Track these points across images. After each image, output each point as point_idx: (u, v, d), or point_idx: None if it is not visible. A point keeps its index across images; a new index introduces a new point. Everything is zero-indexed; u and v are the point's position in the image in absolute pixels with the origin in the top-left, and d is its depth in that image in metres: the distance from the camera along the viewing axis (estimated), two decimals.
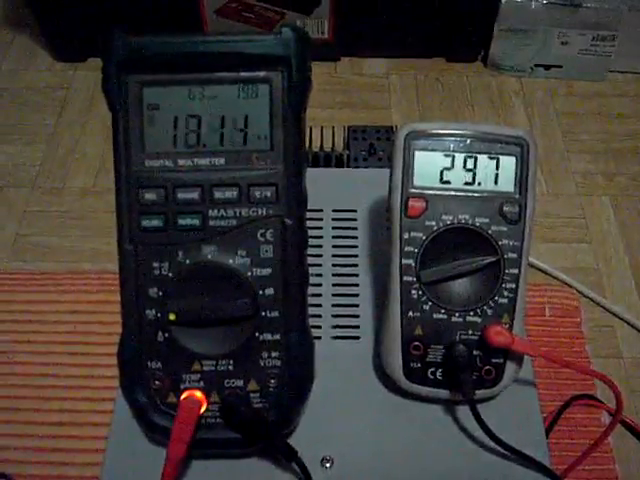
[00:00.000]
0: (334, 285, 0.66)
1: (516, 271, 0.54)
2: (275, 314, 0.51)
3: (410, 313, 0.55)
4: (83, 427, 0.95)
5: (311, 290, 0.53)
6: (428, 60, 1.61)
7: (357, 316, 0.64)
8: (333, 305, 0.65)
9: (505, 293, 0.54)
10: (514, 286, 0.54)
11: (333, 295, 0.65)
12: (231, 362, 0.51)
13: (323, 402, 0.57)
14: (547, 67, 1.55)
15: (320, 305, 0.64)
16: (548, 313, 0.98)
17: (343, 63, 1.60)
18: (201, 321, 0.50)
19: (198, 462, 0.54)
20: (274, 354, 0.51)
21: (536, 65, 1.55)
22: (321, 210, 0.71)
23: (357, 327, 0.63)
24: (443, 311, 0.54)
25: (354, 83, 1.55)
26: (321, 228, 0.70)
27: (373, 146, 0.85)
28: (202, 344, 0.50)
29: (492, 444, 0.54)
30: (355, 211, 0.71)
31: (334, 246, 0.69)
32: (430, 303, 0.55)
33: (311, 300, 0.53)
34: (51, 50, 1.60)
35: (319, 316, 0.64)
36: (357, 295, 0.65)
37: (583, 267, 1.15)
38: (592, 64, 1.52)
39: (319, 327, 0.63)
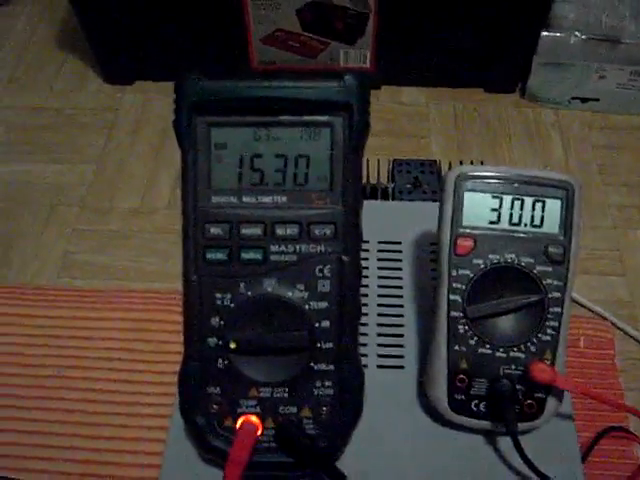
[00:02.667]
0: (379, 315, 0.68)
1: (559, 310, 0.56)
2: (329, 345, 0.53)
3: (456, 347, 0.57)
4: (128, 442, 0.97)
5: None
6: (467, 90, 1.63)
7: (402, 346, 0.66)
8: (379, 334, 0.66)
9: (548, 331, 0.56)
10: (557, 324, 0.56)
11: (378, 325, 0.67)
12: (286, 390, 0.53)
13: (369, 429, 0.58)
14: (584, 100, 1.56)
15: (366, 334, 0.66)
16: (583, 345, 0.99)
17: (384, 92, 1.62)
18: (260, 351, 0.52)
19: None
20: (327, 383, 0.53)
21: (573, 98, 1.56)
22: (367, 242, 0.73)
23: (402, 357, 0.65)
24: (488, 346, 0.56)
25: (395, 112, 1.57)
26: (367, 259, 0.72)
27: (417, 179, 0.87)
28: (260, 372, 0.53)
29: (531, 475, 0.55)
30: (400, 243, 0.73)
31: (380, 277, 0.71)
32: (476, 338, 0.56)
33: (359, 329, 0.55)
34: (100, 72, 1.64)
35: (365, 345, 0.65)
36: (402, 325, 0.67)
37: (617, 300, 1.16)
38: (629, 98, 1.53)
39: (365, 355, 0.64)
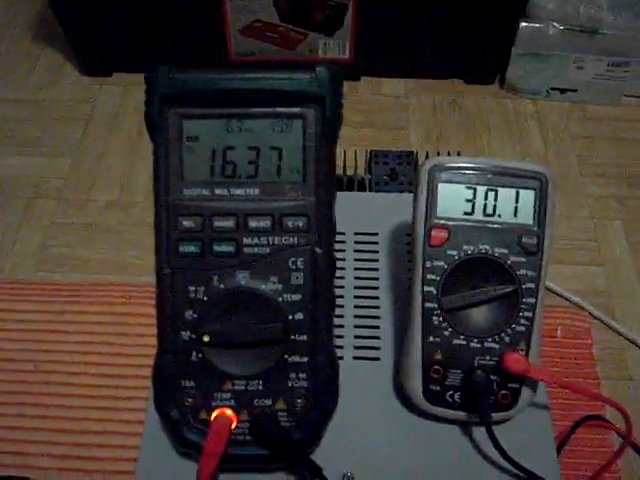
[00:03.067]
0: (356, 307, 0.68)
1: (533, 300, 0.56)
2: (303, 337, 0.53)
3: (431, 338, 0.57)
4: (108, 436, 0.97)
5: None
6: (446, 81, 1.63)
7: (378, 337, 0.66)
8: (355, 326, 0.66)
9: (522, 321, 0.56)
10: (531, 315, 0.56)
11: (355, 317, 0.67)
12: (261, 382, 0.53)
13: (345, 420, 0.58)
14: (563, 91, 1.57)
15: (342, 326, 0.66)
16: (560, 334, 0.99)
17: (363, 83, 1.62)
18: (233, 343, 0.52)
19: (227, 476, 0.56)
20: (301, 375, 0.53)
21: (552, 89, 1.57)
22: (343, 233, 0.73)
23: (378, 348, 0.65)
24: (462, 337, 0.56)
25: (374, 103, 1.57)
26: (344, 251, 0.72)
27: (394, 171, 0.87)
28: (234, 365, 0.53)
29: (506, 465, 0.56)
30: (377, 234, 0.73)
31: (356, 268, 0.71)
32: (450, 329, 0.57)
33: (334, 321, 0.55)
34: (78, 65, 1.63)
35: (341, 337, 0.65)
36: (378, 317, 0.67)
37: (594, 290, 1.17)
38: (607, 89, 1.54)
39: (341, 347, 0.64)
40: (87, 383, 1.03)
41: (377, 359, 0.64)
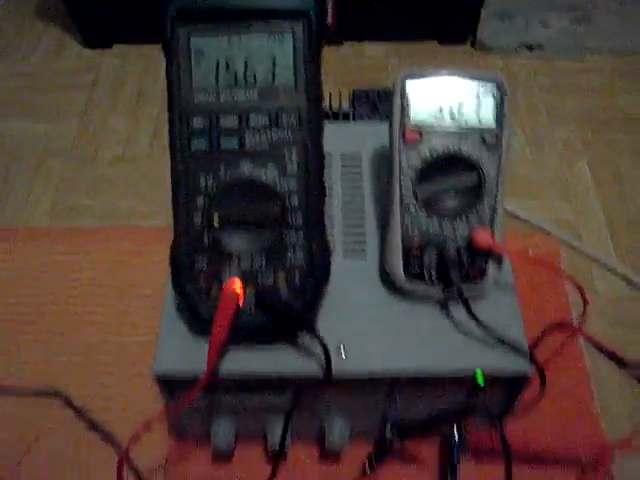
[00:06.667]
0: (344, 217, 0.75)
1: (495, 187, 0.63)
2: (299, 219, 0.59)
3: (409, 224, 0.64)
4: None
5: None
6: (423, 43, 1.69)
7: (364, 242, 0.72)
8: (344, 233, 0.73)
9: (486, 205, 0.63)
10: (493, 201, 0.63)
11: (344, 225, 0.74)
12: (263, 260, 0.60)
13: (337, 305, 0.65)
14: (530, 48, 1.63)
15: (332, 233, 0.73)
16: (531, 253, 1.06)
17: (345, 47, 1.68)
18: (239, 224, 0.59)
19: (235, 347, 0.63)
20: (298, 254, 0.60)
21: (520, 46, 1.63)
22: (330, 154, 0.80)
23: (364, 251, 0.72)
24: (436, 220, 0.63)
25: (355, 65, 1.63)
26: (331, 168, 0.79)
27: (375, 105, 0.94)
28: (240, 244, 0.59)
29: (478, 332, 0.63)
30: (360, 153, 0.80)
31: (342, 182, 0.78)
32: (425, 216, 0.63)
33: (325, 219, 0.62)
34: (79, 38, 1.68)
35: (331, 237, 0.72)
36: (363, 226, 0.74)
37: (563, 221, 1.24)
38: (571, 44, 1.61)
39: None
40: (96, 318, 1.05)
41: (363, 255, 0.71)
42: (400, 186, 0.64)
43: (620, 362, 0.91)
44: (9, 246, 1.09)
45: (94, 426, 0.82)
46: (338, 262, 0.70)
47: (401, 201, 0.64)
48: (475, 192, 0.63)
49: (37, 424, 0.83)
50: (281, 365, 0.62)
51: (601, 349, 0.93)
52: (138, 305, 1.00)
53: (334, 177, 0.78)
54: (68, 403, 0.83)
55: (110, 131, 1.44)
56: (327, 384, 0.61)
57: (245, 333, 0.61)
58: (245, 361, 0.63)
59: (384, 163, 0.78)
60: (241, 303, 0.59)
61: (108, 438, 0.80)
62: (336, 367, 0.61)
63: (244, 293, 0.59)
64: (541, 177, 1.31)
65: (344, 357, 0.63)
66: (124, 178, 1.32)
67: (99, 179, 1.32)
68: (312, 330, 0.60)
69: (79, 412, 0.82)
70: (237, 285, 0.59)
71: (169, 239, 0.61)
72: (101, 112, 1.50)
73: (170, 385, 0.64)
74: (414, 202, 0.64)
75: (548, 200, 1.25)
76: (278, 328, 0.61)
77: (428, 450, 0.78)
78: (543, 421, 0.82)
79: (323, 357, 0.60)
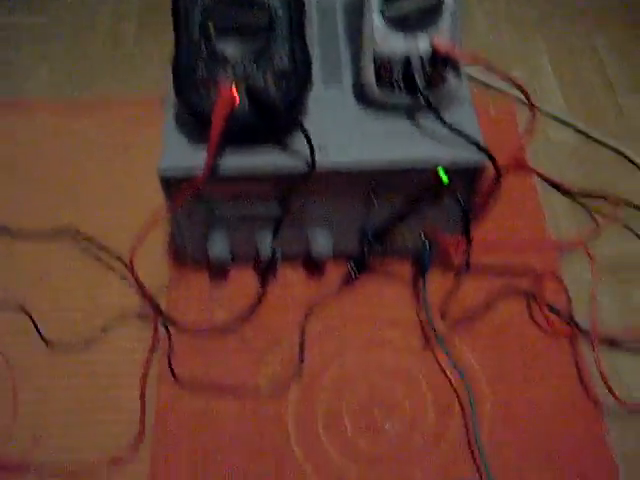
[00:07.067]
0: (321, 47, 0.84)
1: (453, 4, 0.72)
2: (284, 30, 0.68)
3: (378, 44, 0.72)
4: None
5: None
6: None
7: (339, 68, 0.81)
8: (321, 68, 0.81)
9: (445, 20, 0.72)
10: (453, 17, 0.72)
11: (321, 59, 0.82)
12: (254, 64, 0.68)
13: (318, 120, 0.74)
14: None
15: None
16: (492, 112, 1.14)
17: None
18: (231, 29, 0.68)
19: (230, 150, 0.71)
20: (284, 59, 0.68)
21: None
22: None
23: (340, 80, 0.80)
24: (402, 35, 0.72)
25: None
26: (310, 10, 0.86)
27: None
28: (234, 51, 0.68)
29: (441, 132, 0.72)
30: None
31: (319, 21, 0.87)
32: (392, 31, 0.72)
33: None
34: None
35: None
36: (340, 60, 0.83)
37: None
38: None
39: None
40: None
41: (340, 82, 0.80)
42: (370, 8, 0.72)
43: (567, 192, 1.01)
44: None
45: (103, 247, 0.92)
46: (318, 86, 0.78)
47: (372, 23, 0.72)
48: (436, 9, 0.72)
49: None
50: (271, 161, 0.71)
51: (551, 182, 1.03)
52: None
53: (312, 18, 0.87)
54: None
55: None
56: (311, 178, 0.70)
57: (239, 132, 0.69)
58: (239, 159, 0.71)
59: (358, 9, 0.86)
60: (236, 102, 0.67)
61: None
62: (319, 160, 0.70)
63: (238, 91, 0.67)
64: (499, 49, 1.37)
65: (322, 154, 0.71)
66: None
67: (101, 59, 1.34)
68: (298, 124, 0.69)
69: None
70: (232, 86, 0.67)
71: None
72: None
73: (172, 185, 0.71)
74: (383, 22, 0.72)
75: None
76: (268, 126, 0.69)
77: (402, 267, 0.90)
78: (502, 238, 0.93)
79: (308, 152, 0.69)
